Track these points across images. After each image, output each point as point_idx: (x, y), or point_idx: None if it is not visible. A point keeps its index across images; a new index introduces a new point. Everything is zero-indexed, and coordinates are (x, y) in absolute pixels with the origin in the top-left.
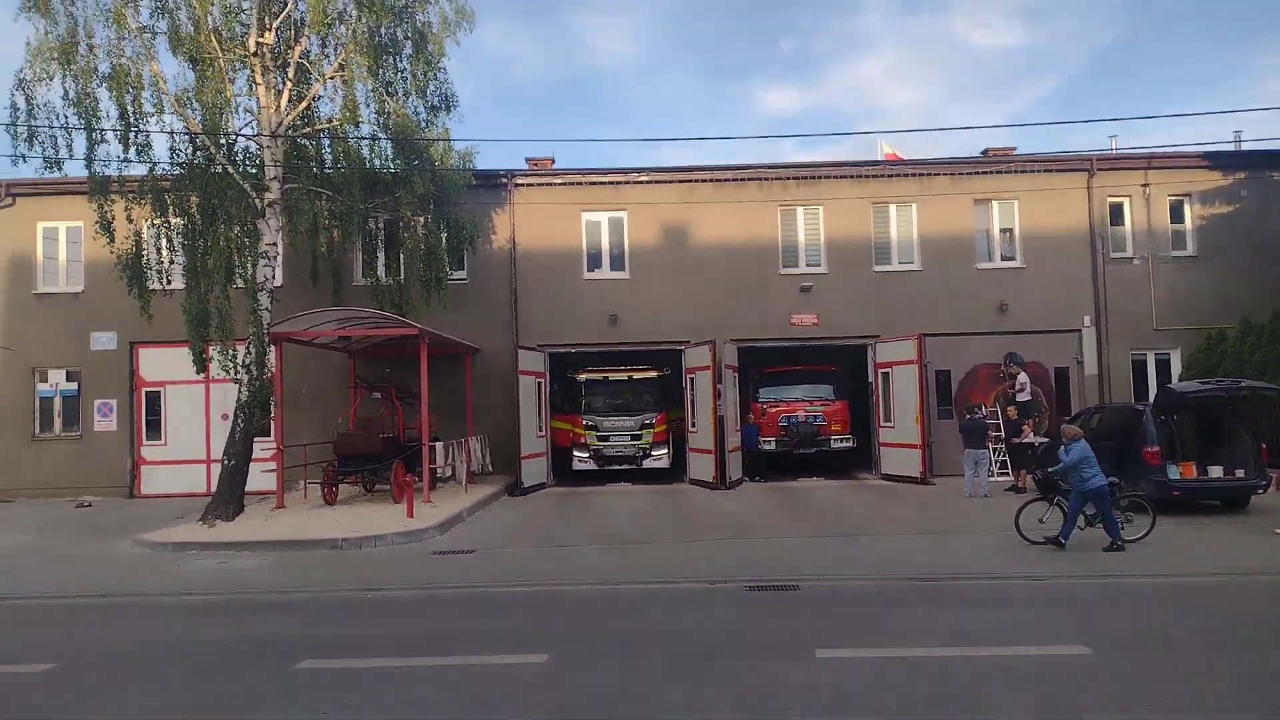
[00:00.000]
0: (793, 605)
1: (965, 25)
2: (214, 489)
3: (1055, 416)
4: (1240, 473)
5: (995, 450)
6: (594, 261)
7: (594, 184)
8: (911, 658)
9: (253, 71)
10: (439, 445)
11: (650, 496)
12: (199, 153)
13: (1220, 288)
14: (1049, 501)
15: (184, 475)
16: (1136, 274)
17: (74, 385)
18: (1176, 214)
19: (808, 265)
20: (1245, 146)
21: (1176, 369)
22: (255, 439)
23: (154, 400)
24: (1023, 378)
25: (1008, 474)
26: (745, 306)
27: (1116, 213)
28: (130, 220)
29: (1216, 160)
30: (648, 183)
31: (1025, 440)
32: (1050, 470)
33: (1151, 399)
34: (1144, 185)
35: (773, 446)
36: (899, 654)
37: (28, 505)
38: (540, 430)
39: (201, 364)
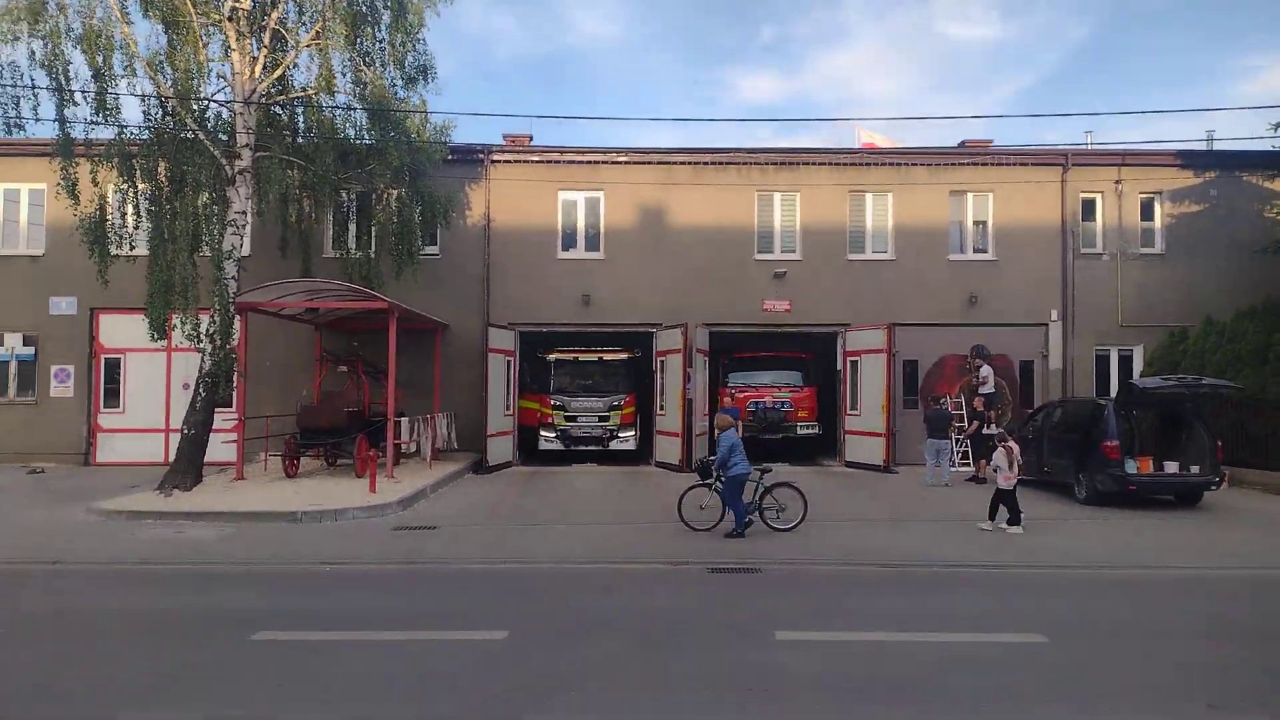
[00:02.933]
0: (754, 587)
1: (945, 17)
2: (172, 458)
3: (1019, 409)
4: (1195, 469)
5: (957, 441)
6: (569, 241)
7: (571, 163)
8: (869, 641)
9: (227, 36)
10: (404, 421)
11: (616, 478)
12: (169, 117)
13: (1185, 286)
14: (709, 488)
15: (142, 444)
16: (1105, 270)
17: (30, 350)
18: (1147, 211)
19: (783, 251)
20: (1217, 146)
21: (1139, 365)
22: (217, 409)
23: (113, 367)
24: (985, 370)
25: (969, 464)
26: (719, 291)
27: (1089, 208)
28: (95, 184)
29: (1188, 159)
30: (625, 163)
31: (986, 431)
32: (709, 458)
33: (1114, 394)
34: (1117, 182)
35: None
36: (857, 637)
37: None
38: (508, 409)
39: (161, 331)
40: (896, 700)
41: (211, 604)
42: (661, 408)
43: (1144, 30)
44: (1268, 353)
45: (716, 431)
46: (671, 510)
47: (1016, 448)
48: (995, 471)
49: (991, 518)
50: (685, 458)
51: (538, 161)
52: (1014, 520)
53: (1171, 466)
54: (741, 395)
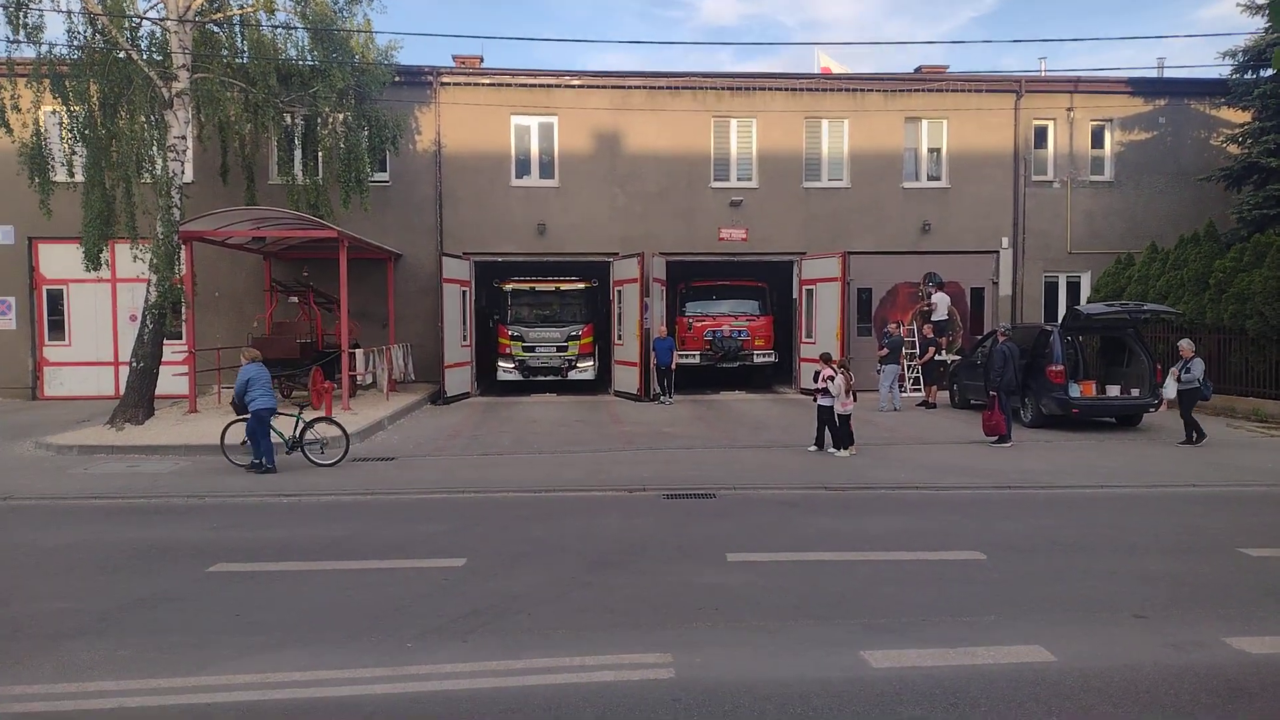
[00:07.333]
0: (708, 512)
1: None
2: (123, 392)
3: (969, 335)
4: (1135, 392)
5: (909, 367)
6: (523, 168)
7: (524, 86)
8: (817, 560)
9: None
10: (359, 352)
11: (574, 407)
12: (99, 36)
13: (1132, 213)
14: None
15: (91, 377)
16: (1055, 197)
17: None
18: (1097, 139)
19: (739, 179)
20: (1167, 74)
21: (1086, 291)
22: (166, 341)
23: (56, 299)
24: (937, 297)
25: (920, 390)
26: (675, 219)
27: (1040, 136)
28: (18, 109)
29: (1139, 87)
30: (580, 87)
31: (937, 358)
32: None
33: (1060, 320)
34: (1069, 109)
35: (697, 360)
36: (805, 558)
37: None
38: (465, 339)
39: (96, 262)
40: (835, 615)
41: (167, 537)
42: (619, 337)
43: None
44: (1208, 279)
45: (242, 360)
46: (644, 436)
47: (852, 376)
48: (834, 398)
49: (842, 446)
50: (643, 387)
51: (489, 84)
52: (846, 444)
53: (1113, 390)
54: (699, 324)
